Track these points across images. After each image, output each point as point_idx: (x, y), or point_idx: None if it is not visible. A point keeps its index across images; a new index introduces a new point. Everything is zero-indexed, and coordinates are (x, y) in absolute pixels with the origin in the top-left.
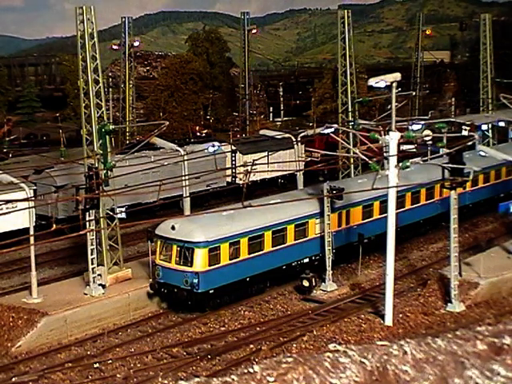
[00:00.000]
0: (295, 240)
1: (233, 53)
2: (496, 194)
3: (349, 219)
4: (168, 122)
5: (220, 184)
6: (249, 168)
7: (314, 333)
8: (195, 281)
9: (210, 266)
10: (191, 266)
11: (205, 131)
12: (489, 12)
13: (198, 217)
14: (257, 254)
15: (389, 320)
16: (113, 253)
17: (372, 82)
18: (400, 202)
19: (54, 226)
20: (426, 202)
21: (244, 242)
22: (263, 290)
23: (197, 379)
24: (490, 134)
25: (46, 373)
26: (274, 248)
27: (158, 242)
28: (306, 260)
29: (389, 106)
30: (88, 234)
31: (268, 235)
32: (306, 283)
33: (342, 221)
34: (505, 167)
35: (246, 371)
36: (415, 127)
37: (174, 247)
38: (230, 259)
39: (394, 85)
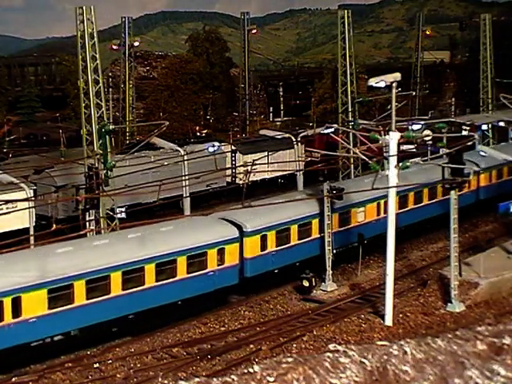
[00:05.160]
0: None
1: (233, 53)
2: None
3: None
4: (168, 122)
5: (220, 184)
6: (249, 168)
7: (314, 333)
8: None
9: None
10: None
11: (205, 131)
12: (489, 12)
13: None
14: None
15: (389, 320)
16: None
17: (372, 82)
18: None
19: (54, 225)
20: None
21: None
22: None
23: (197, 379)
24: (490, 134)
25: (46, 373)
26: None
27: None
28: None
29: (389, 106)
30: (88, 234)
31: (6, 302)
32: (306, 283)
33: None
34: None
35: (245, 371)
36: (415, 127)
37: None
38: None
39: (394, 85)
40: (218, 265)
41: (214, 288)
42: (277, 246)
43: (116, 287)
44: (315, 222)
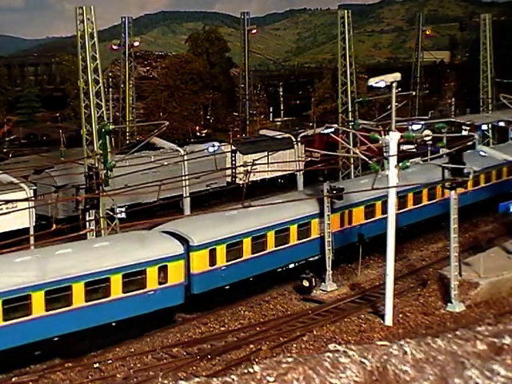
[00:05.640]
0: None
1: (233, 53)
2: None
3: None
4: (168, 122)
5: (220, 184)
6: (249, 168)
7: (314, 333)
8: None
9: None
10: None
11: (205, 131)
12: (489, 12)
13: None
14: None
15: (389, 320)
16: None
17: (372, 82)
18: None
19: (54, 225)
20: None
21: None
22: None
23: (197, 379)
24: (490, 134)
25: (46, 373)
26: None
27: None
28: None
29: (389, 106)
30: (88, 234)
31: None
32: (306, 283)
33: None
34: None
35: (246, 371)
36: (415, 127)
37: None
38: None
39: (394, 85)
40: (160, 283)
41: (154, 308)
42: (227, 261)
43: (38, 308)
44: (270, 235)
